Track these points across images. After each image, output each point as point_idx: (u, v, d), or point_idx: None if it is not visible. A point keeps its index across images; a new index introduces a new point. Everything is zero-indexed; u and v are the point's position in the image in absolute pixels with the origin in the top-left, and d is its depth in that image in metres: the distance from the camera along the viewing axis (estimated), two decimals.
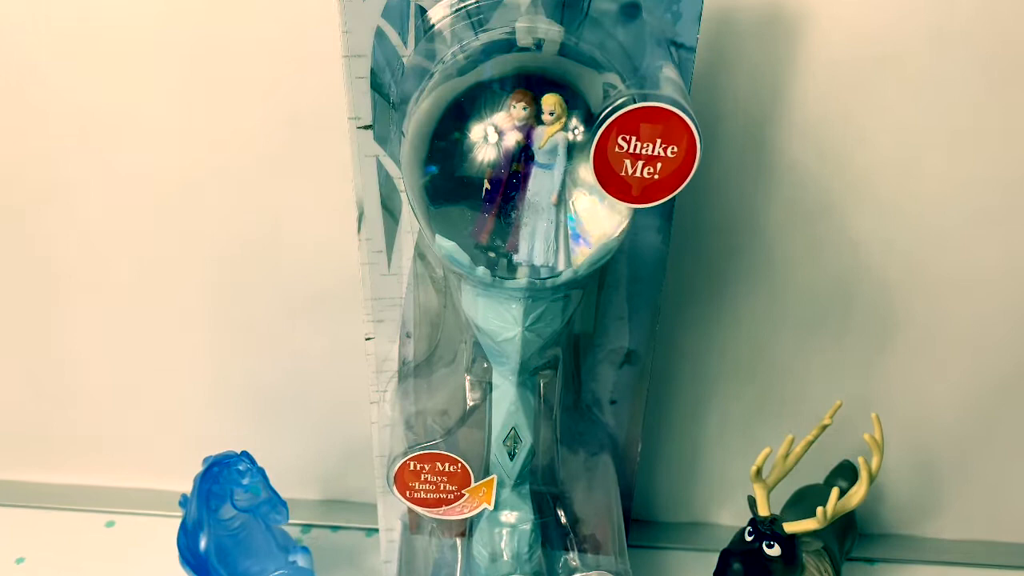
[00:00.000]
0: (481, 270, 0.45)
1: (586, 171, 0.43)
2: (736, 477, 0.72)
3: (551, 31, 0.46)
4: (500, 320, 0.48)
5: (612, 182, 0.42)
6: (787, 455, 0.59)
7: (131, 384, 0.74)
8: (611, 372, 0.60)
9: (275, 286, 0.68)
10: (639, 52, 0.47)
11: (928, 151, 0.60)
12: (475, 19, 0.47)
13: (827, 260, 0.64)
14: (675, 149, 0.40)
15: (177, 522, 0.64)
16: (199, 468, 0.62)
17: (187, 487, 0.64)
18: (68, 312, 0.71)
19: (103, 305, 0.70)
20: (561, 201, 0.45)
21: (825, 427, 0.58)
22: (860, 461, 0.57)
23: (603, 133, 0.40)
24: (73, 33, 0.59)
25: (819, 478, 0.69)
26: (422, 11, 0.47)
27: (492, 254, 0.46)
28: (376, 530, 0.67)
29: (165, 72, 0.60)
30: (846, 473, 0.68)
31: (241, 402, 0.74)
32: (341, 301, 0.66)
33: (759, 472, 0.58)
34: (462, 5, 0.47)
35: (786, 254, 0.64)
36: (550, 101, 0.43)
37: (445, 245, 0.45)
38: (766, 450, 0.57)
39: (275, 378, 0.72)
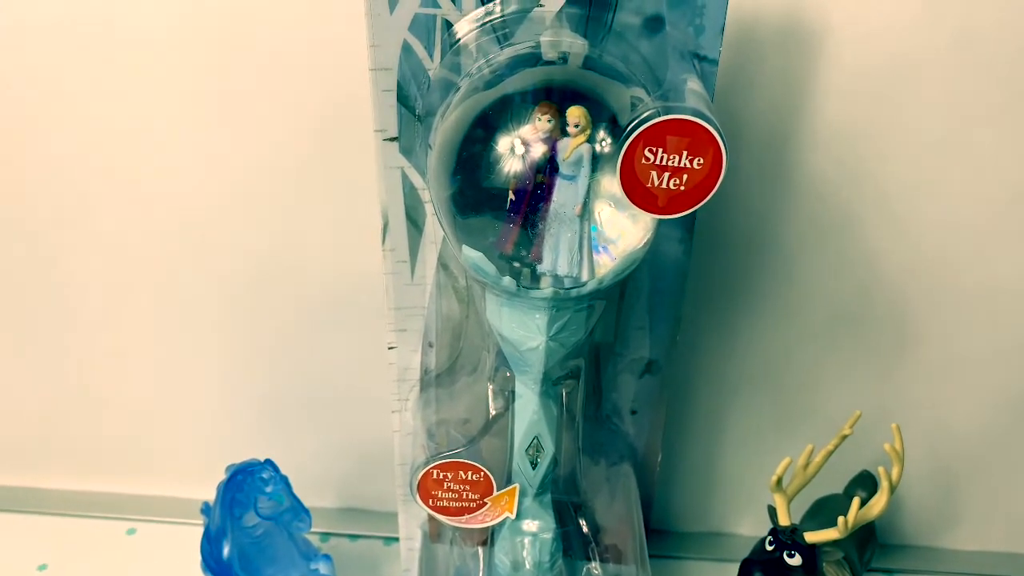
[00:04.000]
0: (506, 280, 0.46)
1: (610, 182, 0.43)
2: (756, 487, 0.72)
3: (575, 44, 0.46)
4: (524, 329, 0.48)
5: (638, 193, 0.42)
6: (807, 465, 0.59)
7: (153, 393, 0.75)
8: (632, 382, 0.60)
9: (298, 295, 0.68)
10: (662, 65, 0.47)
11: (950, 164, 0.60)
12: (500, 33, 0.47)
13: (847, 272, 0.64)
14: (701, 161, 0.41)
15: (198, 530, 0.64)
16: (219, 477, 0.63)
17: (208, 495, 0.64)
18: (91, 323, 0.71)
19: (126, 315, 0.71)
20: (585, 212, 0.45)
21: (845, 437, 0.59)
22: (880, 471, 0.57)
23: (630, 145, 0.41)
24: (94, 50, 0.60)
25: (839, 488, 0.69)
26: (448, 25, 0.48)
27: (517, 264, 0.46)
28: (395, 539, 0.67)
29: (191, 84, 0.61)
30: (866, 483, 0.68)
31: (262, 411, 0.74)
32: (363, 311, 0.66)
33: (779, 482, 0.58)
34: (487, 19, 0.47)
35: (807, 266, 0.64)
36: (575, 114, 0.44)
37: (471, 255, 0.46)
38: (786, 460, 0.57)
39: (296, 387, 0.73)
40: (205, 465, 0.67)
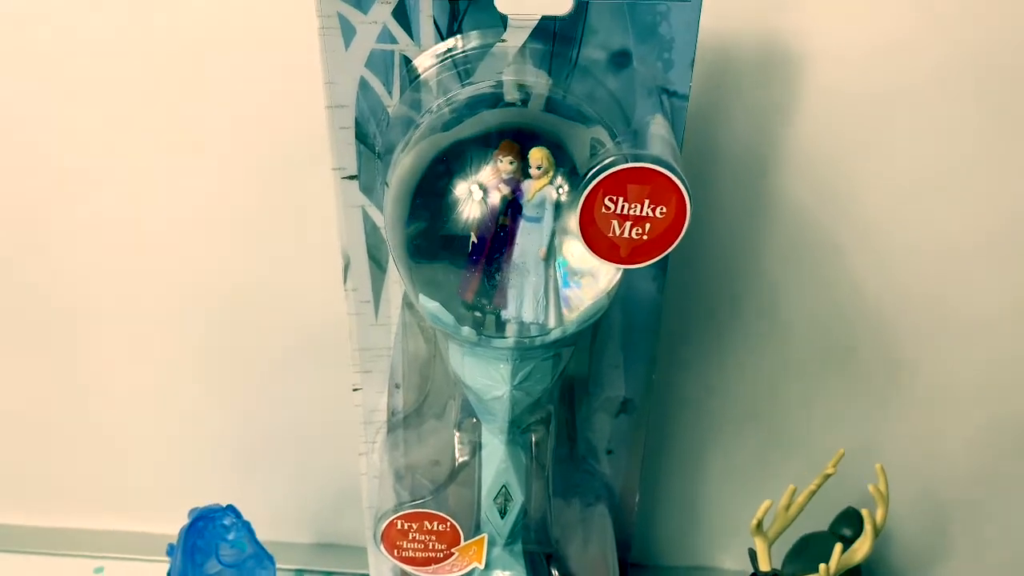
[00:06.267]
0: (466, 331, 0.44)
1: (575, 222, 0.42)
2: (738, 522, 0.70)
3: (538, 82, 0.45)
4: (487, 379, 0.47)
5: (600, 243, 0.40)
6: (788, 506, 0.58)
7: (121, 430, 0.74)
8: (607, 421, 0.59)
9: (266, 335, 0.68)
10: (630, 101, 0.46)
11: (933, 193, 0.59)
12: (461, 69, 0.46)
13: (830, 305, 0.63)
14: (664, 209, 0.39)
15: (166, 567, 0.62)
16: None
17: (177, 531, 0.62)
18: (58, 361, 0.71)
19: (94, 353, 0.71)
20: (550, 255, 0.44)
21: (828, 476, 0.57)
22: (864, 514, 0.56)
23: (589, 194, 0.39)
24: (59, 84, 0.60)
25: (823, 524, 0.67)
26: (407, 61, 0.46)
27: (478, 313, 0.45)
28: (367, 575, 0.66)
29: (152, 124, 0.61)
30: (851, 520, 0.66)
31: (233, 447, 0.74)
32: (331, 349, 0.65)
33: (759, 525, 0.56)
34: (448, 55, 0.46)
35: (787, 299, 0.63)
36: (537, 156, 0.42)
37: (428, 306, 0.44)
38: (767, 503, 0.56)
39: (267, 423, 0.72)
40: (175, 502, 0.66)
